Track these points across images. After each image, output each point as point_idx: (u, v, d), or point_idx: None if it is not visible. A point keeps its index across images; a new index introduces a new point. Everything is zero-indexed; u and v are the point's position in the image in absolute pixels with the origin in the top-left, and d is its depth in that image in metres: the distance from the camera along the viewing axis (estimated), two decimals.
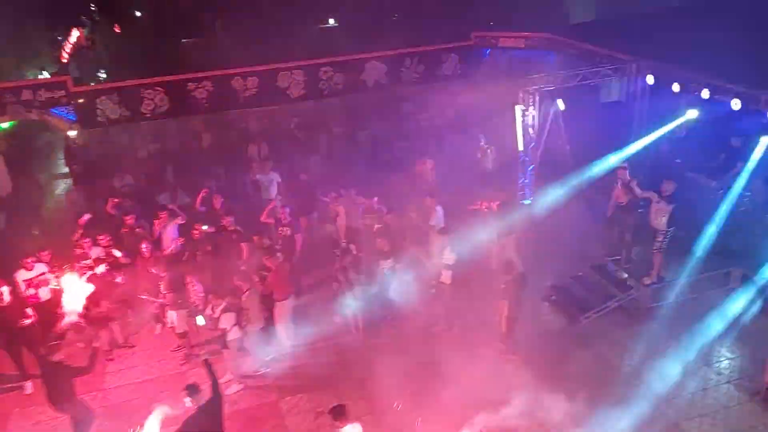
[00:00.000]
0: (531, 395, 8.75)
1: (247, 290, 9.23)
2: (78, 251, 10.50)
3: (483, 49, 16.97)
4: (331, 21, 25.07)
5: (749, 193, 11.09)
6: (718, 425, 8.22)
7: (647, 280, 10.55)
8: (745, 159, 10.94)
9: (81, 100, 14.47)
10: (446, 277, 9.81)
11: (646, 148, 13.94)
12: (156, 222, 11.38)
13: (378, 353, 9.79)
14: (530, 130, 13.43)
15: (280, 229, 11.23)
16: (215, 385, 7.31)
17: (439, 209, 11.40)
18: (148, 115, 15.06)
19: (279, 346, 9.85)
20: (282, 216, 11.24)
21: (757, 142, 10.88)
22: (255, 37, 20.04)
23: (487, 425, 8.23)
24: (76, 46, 24.76)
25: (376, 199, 11.74)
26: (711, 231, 10.65)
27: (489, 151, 14.06)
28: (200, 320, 9.31)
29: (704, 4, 16.16)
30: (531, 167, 13.89)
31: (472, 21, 18.35)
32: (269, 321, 9.83)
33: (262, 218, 11.51)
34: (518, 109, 13.39)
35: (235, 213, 11.43)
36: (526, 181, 14.01)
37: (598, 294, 10.77)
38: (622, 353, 9.56)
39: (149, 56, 17.38)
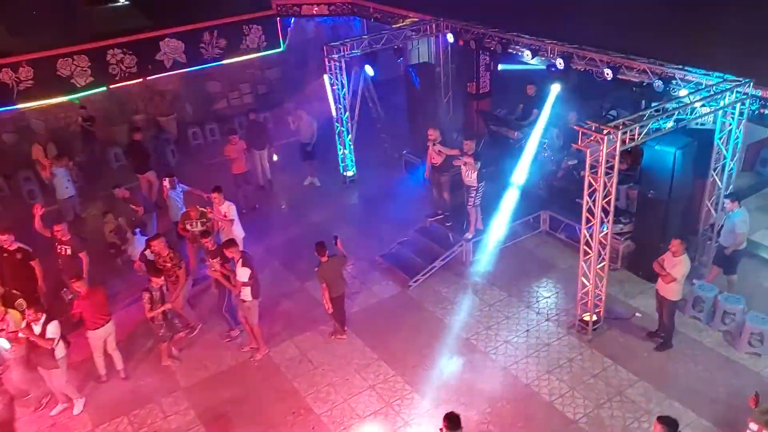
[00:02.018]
0: (366, 369, 8.70)
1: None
2: None
3: (287, 19, 16.30)
4: None
5: (546, 140, 11.73)
6: (542, 362, 8.63)
7: (468, 235, 10.81)
8: (540, 107, 11.51)
9: None
10: (246, 294, 8.72)
11: (456, 106, 14.39)
12: None
13: (199, 364, 9.07)
14: (342, 99, 13.17)
15: (58, 247, 9.50)
16: None
17: (231, 206, 10.27)
18: None
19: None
20: (57, 233, 9.42)
21: (548, 91, 11.51)
22: (30, 22, 17.52)
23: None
24: None
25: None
26: (518, 179, 11.14)
27: (302, 123, 13.46)
28: (4, 343, 7.99)
29: None
30: (349, 137, 13.67)
31: None
32: None
33: (36, 227, 9.62)
34: (327, 79, 13.04)
35: (15, 227, 9.77)
36: (346, 152, 13.79)
37: (425, 256, 10.86)
38: (450, 309, 9.72)
39: None
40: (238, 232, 10.26)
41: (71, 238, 9.53)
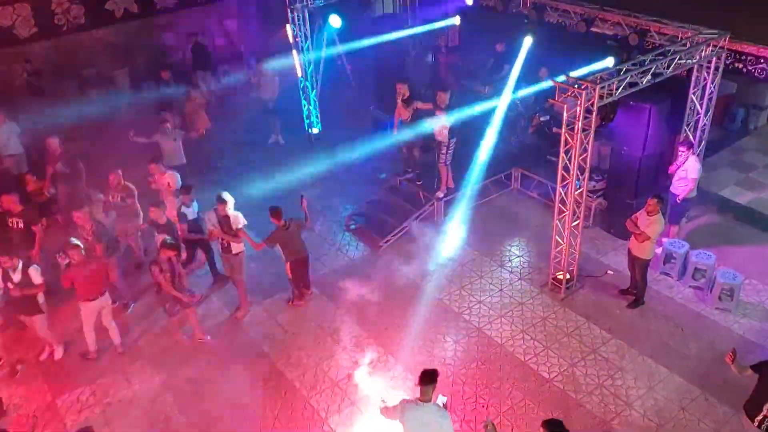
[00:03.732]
0: (338, 332, 8.49)
1: None
2: None
3: None
4: None
5: (518, 96, 11.44)
6: (516, 322, 8.56)
7: (440, 194, 10.57)
8: (511, 62, 11.18)
9: None
10: (237, 245, 8.56)
11: (423, 60, 13.92)
12: None
13: (163, 331, 8.66)
14: (306, 52, 12.59)
15: (9, 221, 8.66)
16: None
17: (174, 175, 9.64)
18: None
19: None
20: (7, 203, 8.60)
21: (520, 45, 11.16)
22: None
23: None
24: None
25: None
26: (489, 136, 10.88)
27: (264, 78, 12.87)
28: None
29: None
30: (314, 92, 13.15)
31: None
32: None
33: None
34: (289, 30, 12.41)
35: None
36: (311, 107, 13.29)
37: (396, 215, 10.60)
38: (422, 270, 9.54)
39: None
40: None
41: (24, 209, 8.73)
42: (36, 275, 7.60)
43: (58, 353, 8.24)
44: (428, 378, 5.57)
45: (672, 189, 9.27)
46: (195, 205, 8.98)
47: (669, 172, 9.33)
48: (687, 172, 9.03)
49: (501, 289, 9.15)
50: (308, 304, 9.04)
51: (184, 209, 8.87)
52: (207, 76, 13.78)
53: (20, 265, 7.51)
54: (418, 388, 5.58)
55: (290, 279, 8.77)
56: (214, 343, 8.46)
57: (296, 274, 8.73)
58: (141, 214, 9.36)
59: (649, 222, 7.99)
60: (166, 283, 7.77)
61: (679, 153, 9.15)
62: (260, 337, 8.53)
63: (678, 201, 9.21)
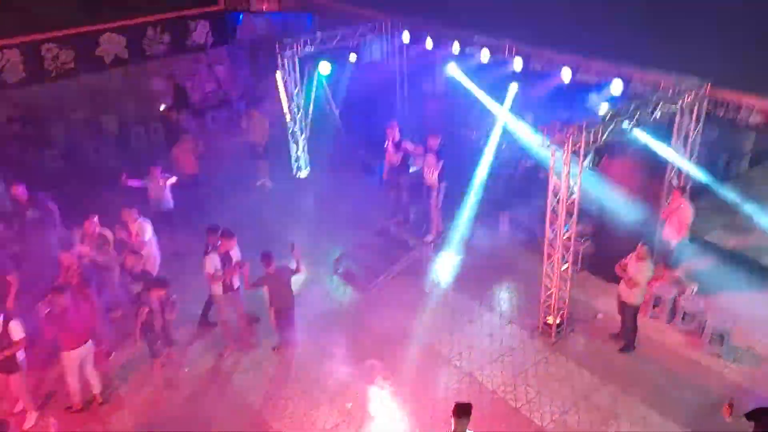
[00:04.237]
0: (324, 379, 8.30)
1: None
2: None
3: (235, 14, 15.71)
4: None
5: (505, 142, 11.61)
6: (507, 367, 8.43)
7: (429, 238, 10.56)
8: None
9: None
10: (217, 288, 8.43)
11: (412, 106, 14.14)
12: None
13: (144, 379, 8.41)
14: (296, 97, 12.73)
15: None
16: None
17: (144, 224, 9.38)
18: None
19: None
20: None
21: (505, 93, 11.39)
22: None
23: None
24: None
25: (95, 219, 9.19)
26: (477, 180, 10.98)
27: (253, 122, 12.95)
28: None
29: None
30: (303, 137, 13.24)
31: None
32: None
33: None
34: (279, 76, 12.56)
35: None
36: (300, 152, 13.34)
37: (384, 259, 10.54)
38: (410, 314, 9.43)
39: None
40: (153, 252, 9.48)
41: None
42: (17, 330, 7.25)
43: (30, 421, 7.73)
44: (463, 411, 5.63)
45: (665, 234, 9.32)
46: None
47: (662, 217, 9.40)
48: (680, 215, 9.10)
49: (491, 334, 9.04)
50: (295, 350, 8.85)
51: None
52: (187, 116, 13.77)
53: (1, 318, 7.19)
54: (452, 420, 5.61)
55: (274, 325, 8.61)
56: (196, 387, 8.24)
57: (281, 321, 8.57)
58: (118, 261, 9.14)
59: (639, 268, 7.99)
60: (140, 324, 7.63)
61: (671, 198, 9.25)
62: (245, 385, 8.31)
63: (672, 246, 9.25)
